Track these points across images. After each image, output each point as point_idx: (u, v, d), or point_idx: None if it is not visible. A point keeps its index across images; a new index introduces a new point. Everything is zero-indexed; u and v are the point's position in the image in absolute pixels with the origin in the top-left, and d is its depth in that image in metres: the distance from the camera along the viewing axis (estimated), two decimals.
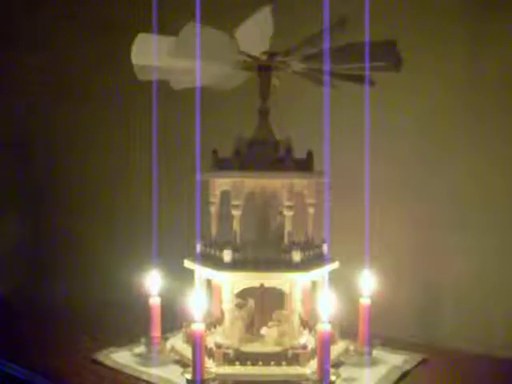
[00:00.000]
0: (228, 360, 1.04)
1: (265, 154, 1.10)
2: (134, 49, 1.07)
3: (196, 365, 0.94)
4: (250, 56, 1.09)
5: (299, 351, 1.04)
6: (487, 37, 1.32)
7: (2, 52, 1.87)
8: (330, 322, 0.93)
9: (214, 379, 0.98)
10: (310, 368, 1.02)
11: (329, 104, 1.25)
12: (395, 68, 1.07)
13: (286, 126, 1.17)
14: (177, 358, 1.13)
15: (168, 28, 1.04)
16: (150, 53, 1.07)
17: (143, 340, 1.17)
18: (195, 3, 1.12)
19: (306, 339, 1.07)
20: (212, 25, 1.00)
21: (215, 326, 1.18)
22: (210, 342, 1.06)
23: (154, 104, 1.47)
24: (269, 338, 1.11)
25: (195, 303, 0.96)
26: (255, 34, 1.05)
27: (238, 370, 1.03)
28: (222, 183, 1.13)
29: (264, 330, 1.12)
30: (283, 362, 1.04)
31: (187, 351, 1.09)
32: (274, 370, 1.03)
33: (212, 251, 1.12)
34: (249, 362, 1.04)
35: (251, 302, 1.17)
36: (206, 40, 0.98)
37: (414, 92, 1.39)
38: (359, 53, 1.04)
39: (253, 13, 1.02)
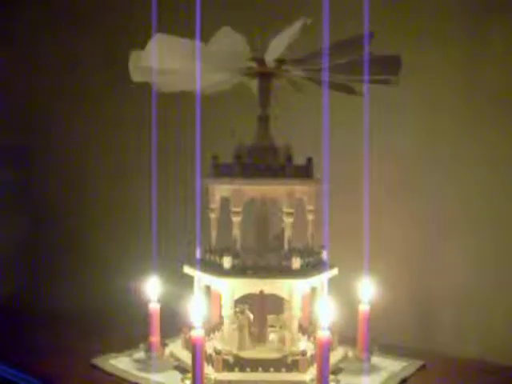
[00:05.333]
0: (227, 366, 1.04)
1: (265, 160, 1.11)
2: (148, 50, 1.05)
3: (195, 371, 0.94)
4: (258, 62, 1.09)
5: (299, 357, 1.04)
6: (487, 38, 1.33)
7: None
8: (329, 329, 0.94)
9: None
10: (310, 374, 1.02)
11: (328, 107, 1.26)
12: (392, 83, 1.08)
13: (285, 130, 1.18)
14: (176, 363, 1.13)
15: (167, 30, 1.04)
16: (162, 55, 1.06)
17: (142, 345, 1.17)
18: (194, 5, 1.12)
19: (306, 345, 1.08)
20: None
21: (214, 332, 1.18)
22: (210, 347, 1.07)
23: (154, 109, 1.47)
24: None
25: (195, 309, 0.96)
26: (278, 53, 1.05)
27: (237, 376, 1.03)
28: (221, 189, 1.13)
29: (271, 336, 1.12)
30: (283, 369, 1.04)
31: (186, 357, 1.10)
32: (273, 377, 1.03)
33: (212, 257, 1.12)
34: (248, 369, 1.04)
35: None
36: (227, 43, 0.98)
37: (414, 92, 1.40)
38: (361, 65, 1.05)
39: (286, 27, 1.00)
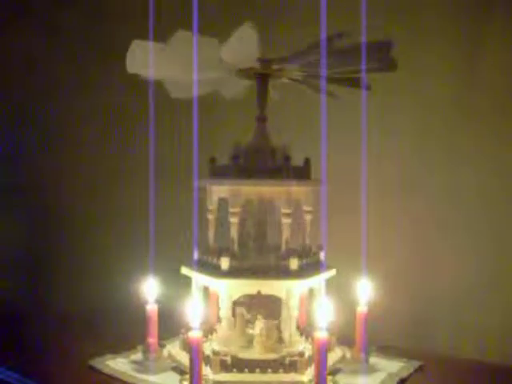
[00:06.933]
0: (225, 367, 1.04)
1: (262, 161, 1.11)
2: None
3: (193, 372, 0.94)
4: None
5: (296, 358, 1.04)
6: (484, 36, 1.33)
7: None
8: (327, 329, 0.94)
9: None
10: (308, 375, 1.02)
11: (325, 108, 1.26)
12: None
13: (283, 131, 1.18)
14: (174, 364, 1.13)
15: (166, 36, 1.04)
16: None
17: (140, 347, 1.17)
18: (192, 11, 1.12)
19: (304, 346, 1.08)
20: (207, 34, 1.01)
21: (212, 333, 1.18)
22: (208, 349, 1.07)
23: (151, 110, 1.47)
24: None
25: (192, 310, 0.96)
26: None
27: (235, 377, 1.03)
28: (219, 190, 1.13)
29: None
30: (280, 370, 1.04)
31: (184, 358, 1.09)
32: (271, 377, 1.03)
33: (209, 258, 1.12)
34: (246, 370, 1.04)
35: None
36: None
37: (411, 92, 1.40)
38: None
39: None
